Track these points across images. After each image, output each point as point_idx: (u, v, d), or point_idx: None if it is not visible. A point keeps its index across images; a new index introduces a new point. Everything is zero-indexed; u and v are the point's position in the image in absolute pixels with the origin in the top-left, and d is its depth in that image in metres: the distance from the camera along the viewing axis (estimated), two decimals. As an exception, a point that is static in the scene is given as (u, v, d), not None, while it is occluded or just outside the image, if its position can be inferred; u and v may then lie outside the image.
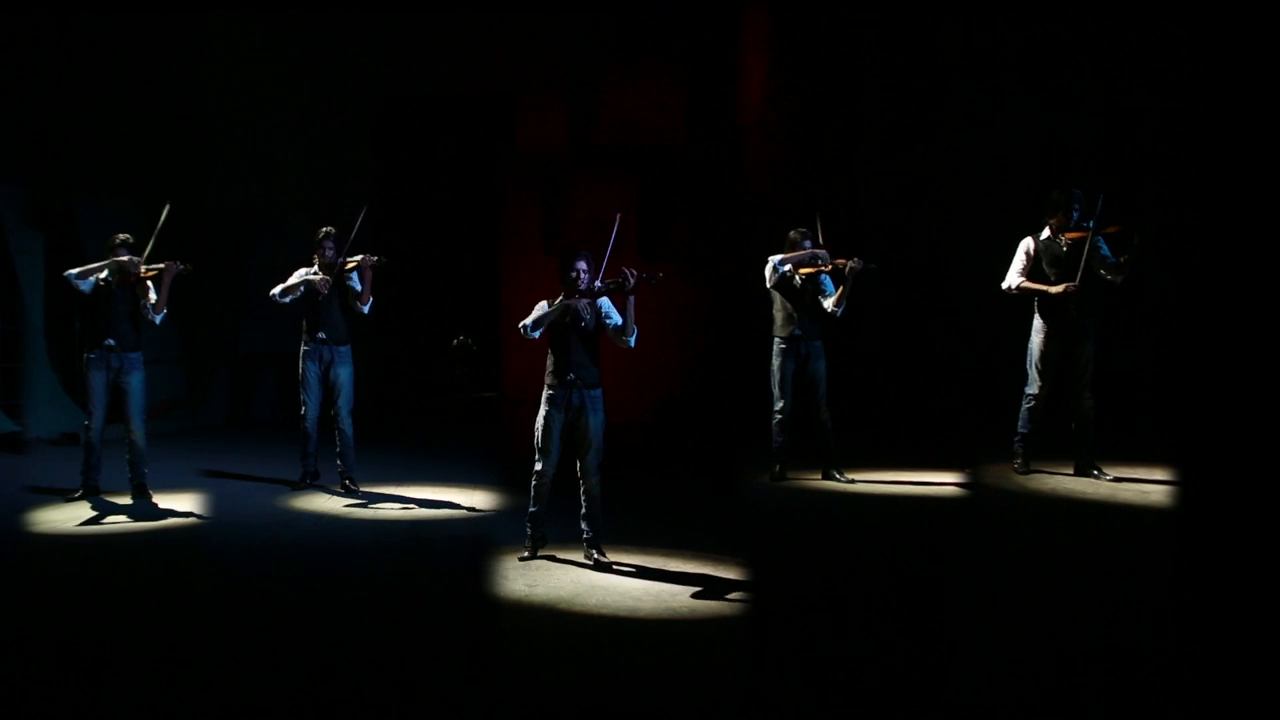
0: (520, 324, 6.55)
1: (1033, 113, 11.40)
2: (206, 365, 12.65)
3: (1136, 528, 7.02)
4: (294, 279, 8.63)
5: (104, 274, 8.16)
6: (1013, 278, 8.28)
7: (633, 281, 6.30)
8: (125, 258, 8.14)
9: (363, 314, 8.75)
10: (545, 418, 6.50)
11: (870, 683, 4.78)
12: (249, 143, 12.61)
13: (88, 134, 11.61)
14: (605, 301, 6.54)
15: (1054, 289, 8.06)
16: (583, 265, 6.47)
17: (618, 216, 6.65)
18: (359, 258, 8.59)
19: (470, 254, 12.92)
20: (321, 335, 8.61)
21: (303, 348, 8.65)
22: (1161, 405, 9.52)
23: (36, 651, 5.23)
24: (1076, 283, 7.95)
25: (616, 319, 6.51)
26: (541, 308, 6.52)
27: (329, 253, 8.63)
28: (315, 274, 8.62)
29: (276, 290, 8.64)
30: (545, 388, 6.53)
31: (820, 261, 8.42)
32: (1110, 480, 8.03)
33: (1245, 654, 3.57)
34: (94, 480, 8.30)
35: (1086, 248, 7.91)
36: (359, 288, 8.65)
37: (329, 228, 8.72)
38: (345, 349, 8.70)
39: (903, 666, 4.95)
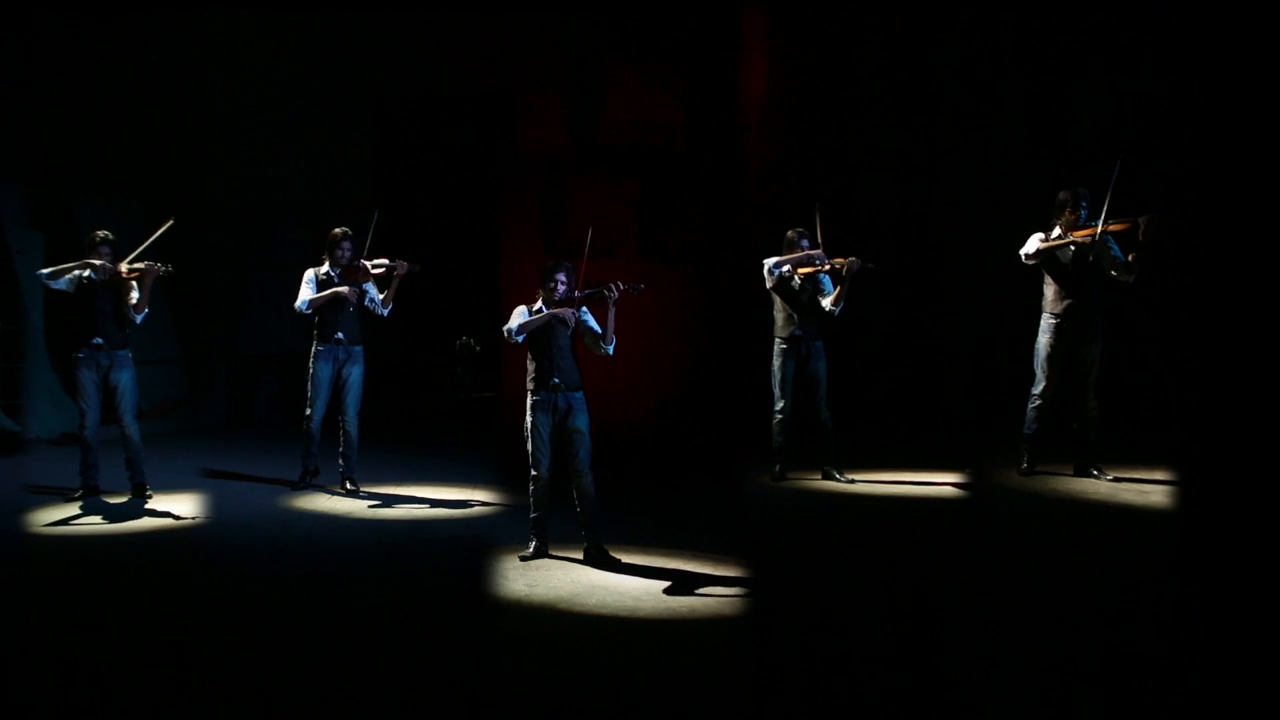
0: (505, 328, 6.60)
1: (1034, 111, 11.39)
2: (206, 365, 12.64)
3: (1136, 528, 7.02)
4: (310, 289, 8.48)
5: (83, 273, 8.14)
6: (1033, 245, 8.08)
7: (615, 294, 6.40)
8: (99, 262, 8.13)
9: (381, 316, 8.74)
10: (533, 424, 6.56)
11: (870, 683, 4.78)
12: (249, 143, 12.61)
13: (88, 134, 11.61)
14: (584, 310, 6.64)
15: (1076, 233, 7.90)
16: (561, 277, 6.57)
17: (589, 230, 6.73)
18: (391, 264, 8.46)
19: (470, 254, 12.92)
20: (339, 336, 8.57)
21: (316, 348, 8.58)
22: (1162, 405, 9.52)
23: (37, 652, 5.22)
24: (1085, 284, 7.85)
25: (595, 327, 6.60)
26: (522, 313, 6.59)
27: (346, 255, 8.60)
28: (327, 274, 8.56)
29: (303, 303, 8.48)
30: (529, 394, 6.58)
31: (818, 262, 8.41)
32: (1110, 480, 8.02)
33: (1245, 654, 3.57)
34: (93, 480, 8.30)
35: (1098, 229, 7.80)
36: (374, 294, 8.63)
37: (345, 229, 8.65)
38: (359, 349, 8.68)
39: (903, 667, 4.95)
